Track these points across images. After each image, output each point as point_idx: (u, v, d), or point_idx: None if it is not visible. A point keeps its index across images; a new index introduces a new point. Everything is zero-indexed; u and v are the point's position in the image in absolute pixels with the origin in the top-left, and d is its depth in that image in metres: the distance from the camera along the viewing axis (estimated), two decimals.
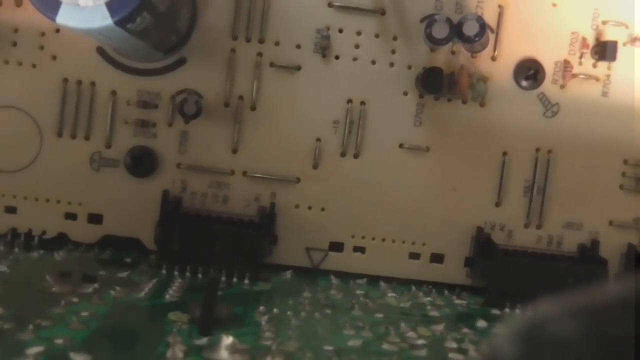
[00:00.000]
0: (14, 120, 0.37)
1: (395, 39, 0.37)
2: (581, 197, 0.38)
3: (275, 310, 0.31)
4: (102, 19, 0.27)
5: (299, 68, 0.37)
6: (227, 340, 0.25)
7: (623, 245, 0.38)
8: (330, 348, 0.27)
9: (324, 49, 0.37)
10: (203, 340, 0.26)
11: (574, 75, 0.38)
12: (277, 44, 0.37)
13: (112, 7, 0.27)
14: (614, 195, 0.38)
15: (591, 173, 0.38)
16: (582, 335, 0.13)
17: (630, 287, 0.13)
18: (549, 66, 0.38)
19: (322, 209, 0.38)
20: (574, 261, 0.37)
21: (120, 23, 0.28)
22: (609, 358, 0.12)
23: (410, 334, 0.30)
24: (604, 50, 0.37)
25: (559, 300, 0.13)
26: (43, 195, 0.37)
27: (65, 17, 0.27)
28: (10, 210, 0.37)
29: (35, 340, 0.24)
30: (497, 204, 0.38)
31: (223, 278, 0.34)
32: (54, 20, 0.27)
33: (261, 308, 0.31)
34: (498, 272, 0.36)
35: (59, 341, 0.25)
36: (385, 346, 0.28)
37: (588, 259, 0.37)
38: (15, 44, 0.37)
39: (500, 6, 0.37)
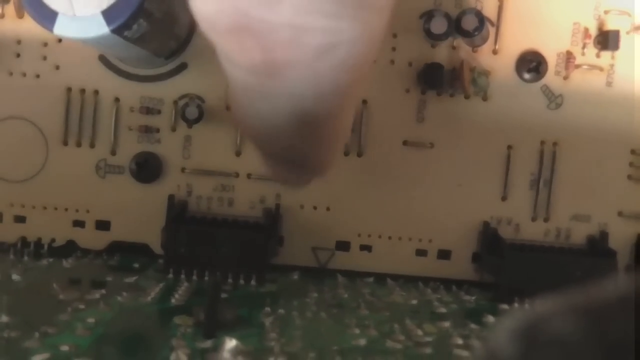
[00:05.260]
0: (20, 131, 0.37)
1: (395, 36, 0.37)
2: (588, 188, 0.38)
3: (280, 311, 0.31)
4: (98, 28, 0.28)
5: None
6: (230, 342, 0.25)
7: (633, 236, 0.38)
8: (334, 348, 0.27)
9: None
10: (207, 343, 0.26)
11: (577, 66, 0.37)
12: None
13: (108, 15, 0.27)
14: (621, 185, 0.38)
15: (598, 164, 0.38)
16: (581, 334, 0.13)
17: (631, 285, 0.13)
18: (551, 58, 0.37)
19: (328, 209, 0.38)
20: (582, 254, 0.37)
21: (116, 31, 0.28)
22: (608, 357, 0.12)
23: (417, 331, 0.29)
24: (607, 40, 0.37)
25: (559, 298, 0.13)
26: (51, 203, 0.37)
27: (62, 28, 0.28)
28: (20, 219, 0.38)
29: (40, 347, 0.25)
30: (503, 198, 0.38)
31: (230, 280, 0.35)
32: (51, 31, 0.28)
33: (266, 309, 0.31)
34: (506, 266, 0.36)
35: (64, 348, 0.25)
36: (390, 344, 0.28)
37: (597, 251, 0.37)
38: (18, 55, 0.37)
39: None
